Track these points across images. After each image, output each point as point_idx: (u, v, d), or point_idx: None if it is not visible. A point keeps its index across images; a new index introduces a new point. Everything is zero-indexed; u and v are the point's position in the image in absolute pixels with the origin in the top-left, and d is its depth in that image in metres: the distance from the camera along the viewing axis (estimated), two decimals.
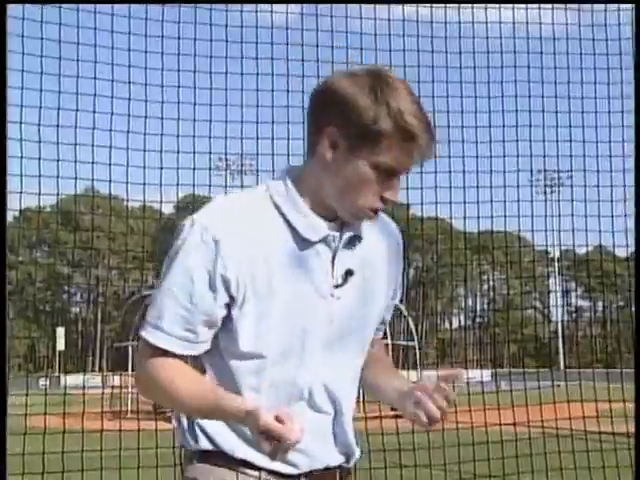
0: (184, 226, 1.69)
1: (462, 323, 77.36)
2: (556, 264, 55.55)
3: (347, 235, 1.74)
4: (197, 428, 1.76)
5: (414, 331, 24.33)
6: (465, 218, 4.96)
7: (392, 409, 1.93)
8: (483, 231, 5.08)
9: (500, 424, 3.87)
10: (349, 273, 1.75)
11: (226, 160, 4.87)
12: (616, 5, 4.86)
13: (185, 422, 1.79)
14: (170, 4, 4.77)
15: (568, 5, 5.13)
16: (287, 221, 1.71)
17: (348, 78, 1.72)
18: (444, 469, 4.01)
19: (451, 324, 74.00)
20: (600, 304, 70.39)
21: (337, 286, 1.72)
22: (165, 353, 1.70)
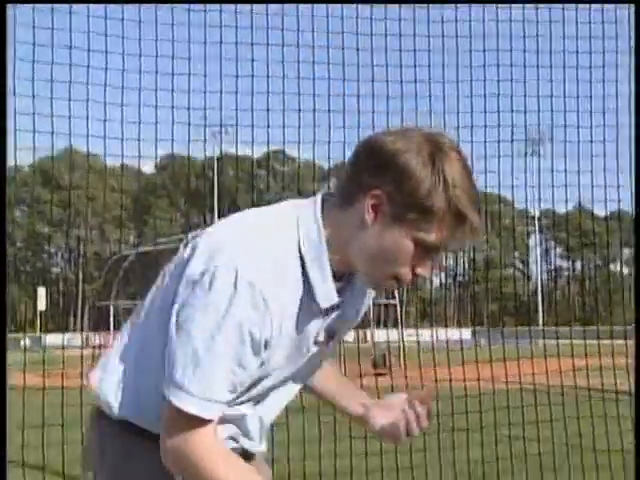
0: (221, 275, 1.53)
1: (442, 282, 77.87)
2: (536, 223, 55.88)
3: (343, 300, 1.67)
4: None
5: (395, 290, 24.51)
6: None
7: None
8: None
9: (478, 379, 3.91)
10: (331, 335, 1.72)
11: (205, 120, 4.80)
12: None
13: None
14: None
15: None
16: (309, 281, 1.61)
17: (404, 140, 1.61)
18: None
19: (432, 283, 74.38)
20: (579, 263, 71.01)
21: (316, 343, 1.68)
22: (208, 422, 1.58)
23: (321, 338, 1.68)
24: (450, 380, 3.52)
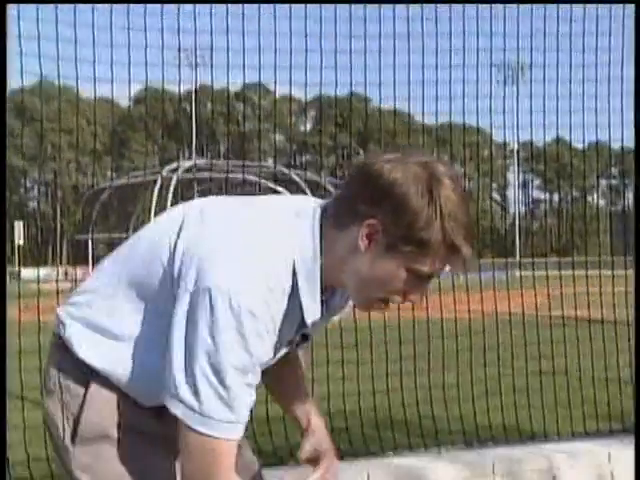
0: (219, 302, 1.55)
1: None
2: (515, 156, 55.99)
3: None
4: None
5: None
6: (423, 113, 4.92)
7: None
8: (442, 124, 5.07)
9: (455, 310, 3.95)
10: (305, 338, 1.77)
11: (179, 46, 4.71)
12: None
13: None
14: None
15: None
16: (298, 296, 1.64)
17: (401, 169, 1.60)
18: (399, 348, 4.11)
19: None
20: (556, 196, 71.47)
21: (290, 343, 1.74)
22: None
23: (297, 340, 1.75)
24: (427, 308, 3.57)
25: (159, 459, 1.79)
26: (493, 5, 4.80)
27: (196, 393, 1.57)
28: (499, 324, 4.08)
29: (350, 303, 1.86)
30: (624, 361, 4.06)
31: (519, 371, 3.47)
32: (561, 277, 4.41)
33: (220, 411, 1.58)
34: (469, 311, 3.94)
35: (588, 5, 4.76)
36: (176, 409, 1.60)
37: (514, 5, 4.86)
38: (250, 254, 1.61)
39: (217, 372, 1.56)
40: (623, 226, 6.15)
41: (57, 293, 3.57)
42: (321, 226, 1.66)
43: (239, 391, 1.59)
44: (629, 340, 4.02)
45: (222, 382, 1.57)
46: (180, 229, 1.69)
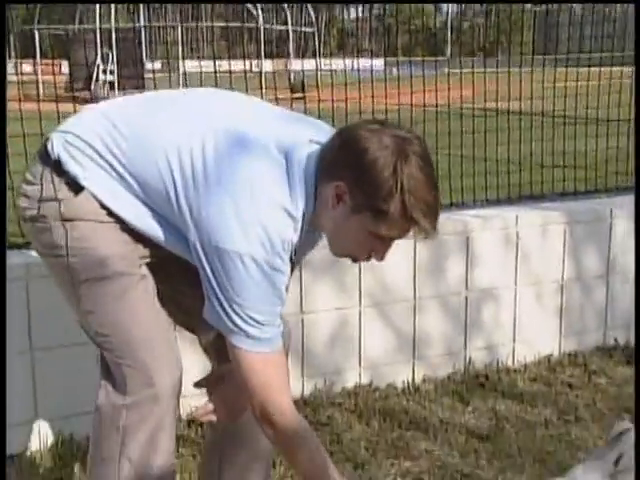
0: (236, 261, 1.66)
1: (360, 15, 75.93)
2: None
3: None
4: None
5: (314, 21, 23.90)
6: None
7: None
8: None
9: (385, 102, 3.98)
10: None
11: None
12: None
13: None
14: None
15: None
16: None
17: (375, 140, 1.63)
18: None
19: (349, 14, 72.45)
20: None
21: None
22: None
23: None
24: (360, 99, 3.62)
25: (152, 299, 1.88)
26: None
27: (243, 329, 1.71)
28: (426, 115, 4.14)
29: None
30: (538, 147, 4.23)
31: (443, 157, 3.61)
32: (485, 74, 4.47)
33: (264, 333, 1.72)
34: (399, 103, 3.98)
35: None
36: (234, 341, 1.74)
37: None
38: (257, 214, 1.66)
39: (253, 317, 1.71)
40: (545, 25, 6.16)
41: (18, 85, 3.51)
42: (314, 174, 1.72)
43: (273, 319, 1.75)
44: (531, 128, 4.24)
45: (257, 320, 1.72)
46: (192, 176, 1.72)
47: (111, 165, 1.76)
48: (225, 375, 1.99)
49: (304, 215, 1.72)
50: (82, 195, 1.76)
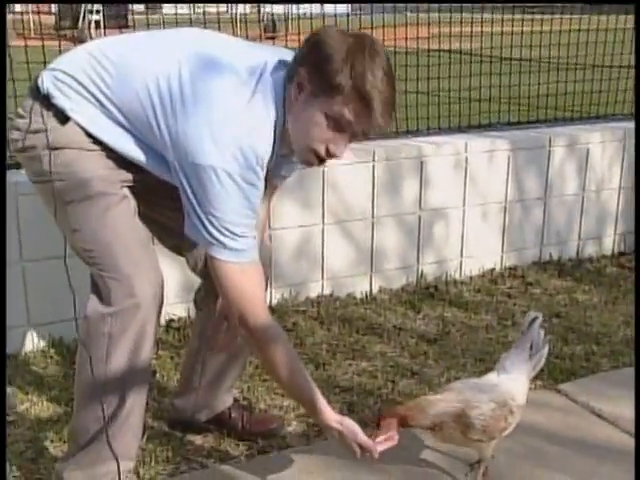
0: (215, 176, 1.63)
1: None
2: None
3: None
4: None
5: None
6: None
7: None
8: None
9: None
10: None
11: None
12: None
13: None
14: None
15: None
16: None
17: (338, 34, 1.61)
18: None
19: None
20: None
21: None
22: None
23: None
24: None
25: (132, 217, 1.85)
26: None
27: (220, 240, 1.68)
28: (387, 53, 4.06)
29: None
30: (486, 81, 4.19)
31: (400, 89, 3.54)
32: (440, 19, 4.40)
33: (239, 244, 1.69)
34: None
35: None
36: (212, 252, 1.70)
37: None
38: (230, 130, 1.62)
39: (229, 229, 1.67)
40: None
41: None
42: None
43: (248, 231, 1.70)
44: (481, 64, 4.19)
45: (233, 232, 1.68)
46: (171, 104, 1.68)
47: (96, 97, 1.74)
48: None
49: (276, 128, 1.68)
50: (68, 125, 1.74)
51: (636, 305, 3.05)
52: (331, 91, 1.60)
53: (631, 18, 4.97)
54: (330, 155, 1.71)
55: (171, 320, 3.07)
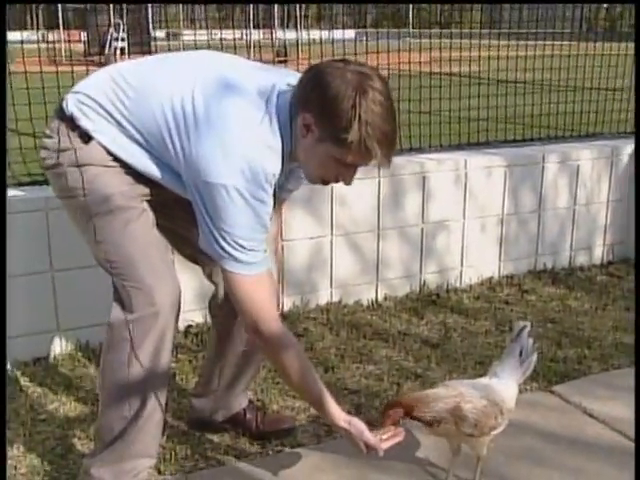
0: (224, 193, 1.61)
1: None
2: None
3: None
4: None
5: None
6: None
7: None
8: None
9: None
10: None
11: None
12: None
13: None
14: None
15: None
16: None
17: (339, 75, 1.55)
18: None
19: None
20: None
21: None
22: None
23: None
24: None
25: (153, 229, 1.85)
26: None
27: (231, 254, 1.66)
28: (391, 77, 4.06)
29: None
30: (484, 102, 4.17)
31: (404, 109, 3.54)
32: (441, 44, 4.40)
33: (250, 258, 1.68)
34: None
35: None
36: (225, 265, 1.69)
37: None
38: (241, 149, 1.61)
39: (239, 243, 1.66)
40: (490, 7, 6.04)
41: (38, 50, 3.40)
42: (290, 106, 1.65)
43: (257, 244, 1.69)
44: (479, 86, 4.19)
45: (243, 246, 1.66)
46: (184, 124, 1.67)
47: (116, 119, 1.74)
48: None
49: (283, 148, 1.67)
50: (91, 144, 1.74)
51: (636, 308, 2.99)
52: (339, 143, 1.58)
53: (616, 45, 4.98)
54: (338, 182, 1.72)
55: (189, 326, 3.06)
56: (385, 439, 1.81)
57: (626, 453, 2.21)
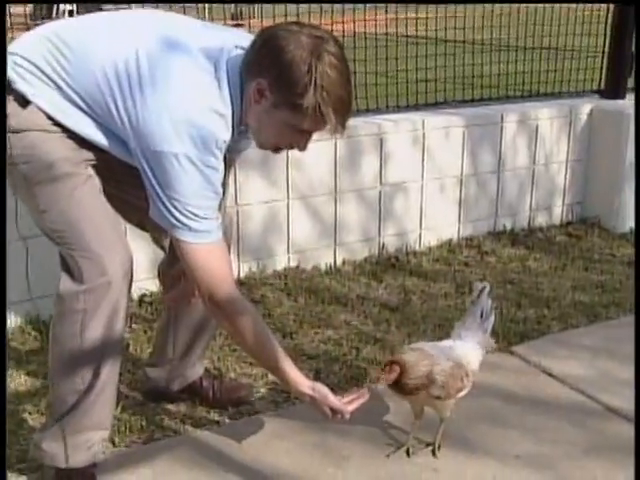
0: (184, 160, 1.57)
1: None
2: None
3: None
4: None
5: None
6: None
7: None
8: None
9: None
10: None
11: None
12: None
13: None
14: None
15: None
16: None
17: (293, 39, 1.51)
18: None
19: None
20: None
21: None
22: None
23: None
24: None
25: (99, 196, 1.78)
26: None
27: (184, 223, 1.62)
28: (346, 37, 4.01)
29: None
30: (441, 62, 4.14)
31: (361, 69, 3.49)
32: (397, 11, 4.35)
33: (204, 226, 1.64)
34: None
35: None
36: (178, 235, 1.65)
37: None
38: (187, 114, 1.56)
39: (192, 212, 1.62)
40: None
41: None
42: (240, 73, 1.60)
43: (211, 212, 1.65)
44: (436, 45, 4.13)
45: (197, 214, 1.62)
46: (128, 85, 1.60)
47: (56, 83, 1.66)
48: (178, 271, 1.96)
49: (234, 114, 1.62)
50: (29, 108, 1.66)
51: (636, 294, 3.00)
52: (294, 109, 1.55)
53: (582, 6, 4.98)
54: (292, 149, 1.69)
55: (143, 295, 3.01)
56: (349, 401, 1.80)
57: (584, 411, 2.24)
